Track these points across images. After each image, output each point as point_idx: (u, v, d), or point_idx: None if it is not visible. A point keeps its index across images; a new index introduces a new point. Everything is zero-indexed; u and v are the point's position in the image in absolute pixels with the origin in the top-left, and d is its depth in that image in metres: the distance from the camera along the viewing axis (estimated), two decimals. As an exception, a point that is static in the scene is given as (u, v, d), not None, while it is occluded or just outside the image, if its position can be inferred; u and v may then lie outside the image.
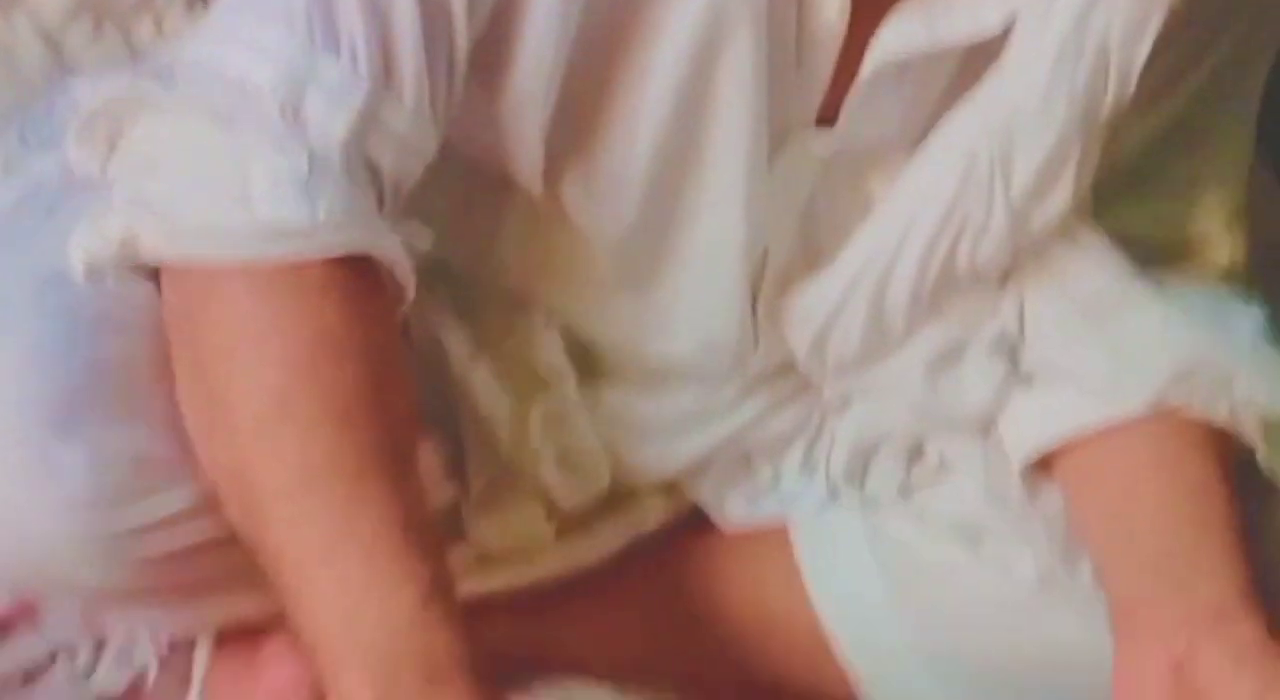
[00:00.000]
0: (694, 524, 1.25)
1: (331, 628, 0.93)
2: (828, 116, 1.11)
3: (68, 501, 1.02)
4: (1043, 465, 1.15)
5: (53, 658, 1.19)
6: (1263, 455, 1.12)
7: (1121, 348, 1.13)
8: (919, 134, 1.11)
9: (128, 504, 1.03)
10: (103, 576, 1.05)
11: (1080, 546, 1.13)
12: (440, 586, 0.95)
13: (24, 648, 1.19)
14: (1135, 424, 1.12)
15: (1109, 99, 1.07)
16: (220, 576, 1.08)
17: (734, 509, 1.24)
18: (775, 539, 1.22)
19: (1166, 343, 1.12)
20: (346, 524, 0.95)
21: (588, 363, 1.19)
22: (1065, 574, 1.15)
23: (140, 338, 1.03)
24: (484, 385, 1.16)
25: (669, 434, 1.21)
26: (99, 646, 1.19)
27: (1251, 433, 1.12)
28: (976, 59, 1.09)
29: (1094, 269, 1.14)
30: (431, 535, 0.98)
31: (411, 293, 1.03)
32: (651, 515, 1.24)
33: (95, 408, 1.02)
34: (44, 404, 1.01)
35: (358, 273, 1.00)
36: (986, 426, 1.17)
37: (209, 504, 1.02)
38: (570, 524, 1.21)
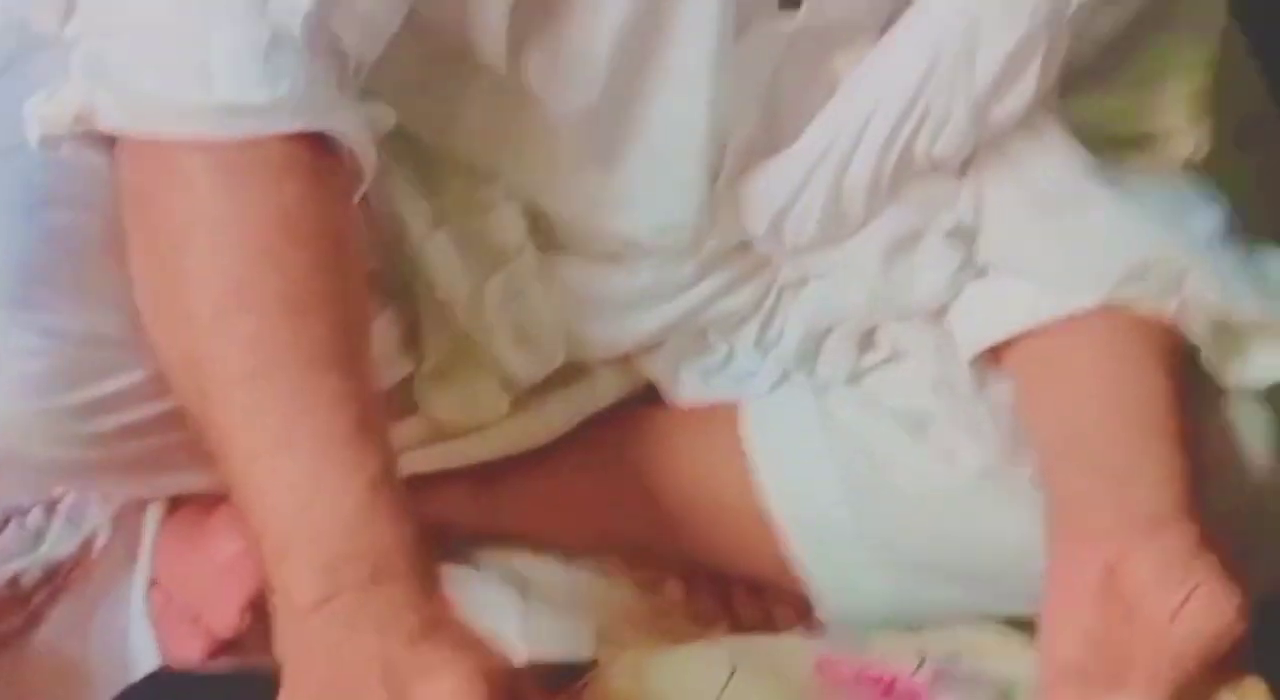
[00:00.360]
0: (647, 401, 1.26)
1: (280, 516, 0.93)
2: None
3: (19, 377, 1.02)
4: (993, 357, 1.16)
5: (5, 520, 1.20)
6: (1206, 354, 1.13)
7: (1077, 242, 1.13)
8: (887, 16, 1.10)
9: (79, 381, 1.03)
10: (52, 451, 1.05)
11: (1024, 442, 1.14)
12: (389, 475, 0.94)
13: (-26, 512, 1.20)
14: (1086, 319, 1.12)
15: None
16: (170, 453, 1.08)
17: (687, 386, 1.24)
18: (726, 418, 1.23)
19: (1122, 238, 1.12)
20: (301, 413, 0.94)
21: (546, 238, 1.19)
22: (1007, 468, 1.15)
23: (94, 214, 1.03)
24: (442, 259, 1.16)
25: (625, 310, 1.21)
26: (50, 510, 1.20)
27: (1198, 330, 1.12)
28: None
29: (1054, 162, 1.13)
30: (381, 422, 0.97)
31: (371, 172, 1.02)
32: (605, 391, 1.24)
33: (49, 284, 1.02)
34: None
35: (318, 152, 0.99)
36: (939, 315, 1.18)
37: (160, 383, 1.02)
38: (524, 399, 1.21)
